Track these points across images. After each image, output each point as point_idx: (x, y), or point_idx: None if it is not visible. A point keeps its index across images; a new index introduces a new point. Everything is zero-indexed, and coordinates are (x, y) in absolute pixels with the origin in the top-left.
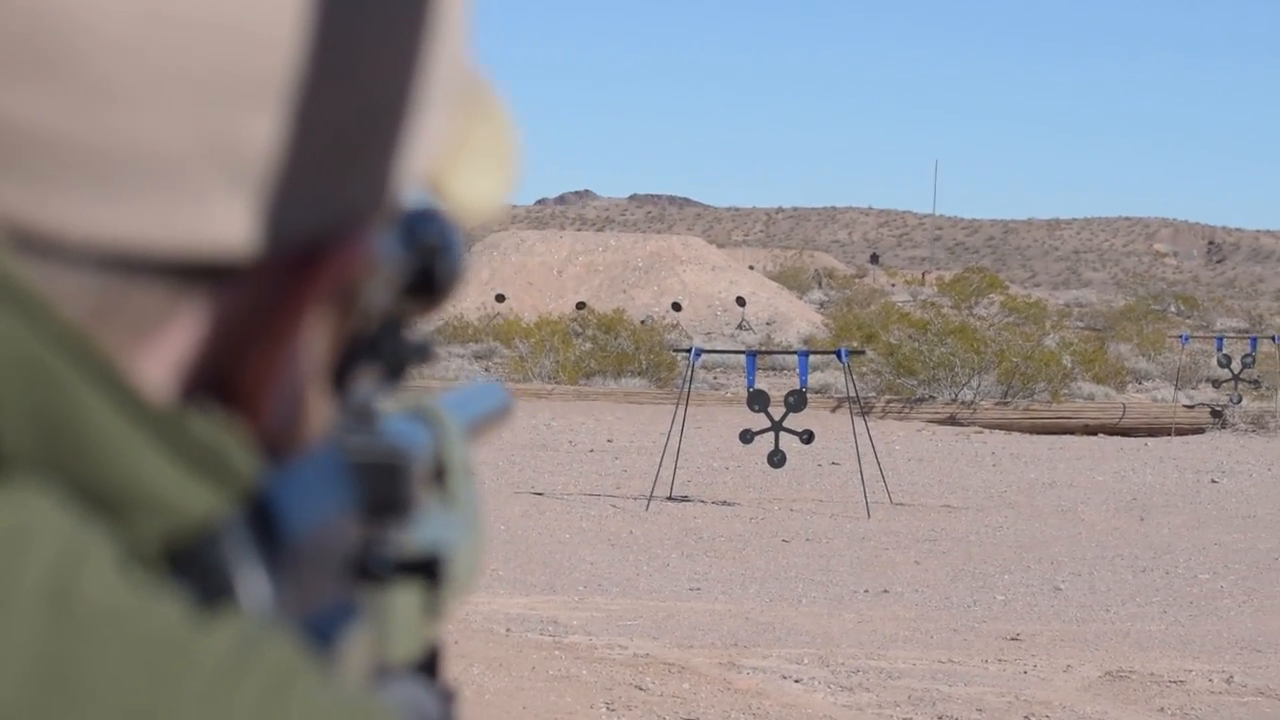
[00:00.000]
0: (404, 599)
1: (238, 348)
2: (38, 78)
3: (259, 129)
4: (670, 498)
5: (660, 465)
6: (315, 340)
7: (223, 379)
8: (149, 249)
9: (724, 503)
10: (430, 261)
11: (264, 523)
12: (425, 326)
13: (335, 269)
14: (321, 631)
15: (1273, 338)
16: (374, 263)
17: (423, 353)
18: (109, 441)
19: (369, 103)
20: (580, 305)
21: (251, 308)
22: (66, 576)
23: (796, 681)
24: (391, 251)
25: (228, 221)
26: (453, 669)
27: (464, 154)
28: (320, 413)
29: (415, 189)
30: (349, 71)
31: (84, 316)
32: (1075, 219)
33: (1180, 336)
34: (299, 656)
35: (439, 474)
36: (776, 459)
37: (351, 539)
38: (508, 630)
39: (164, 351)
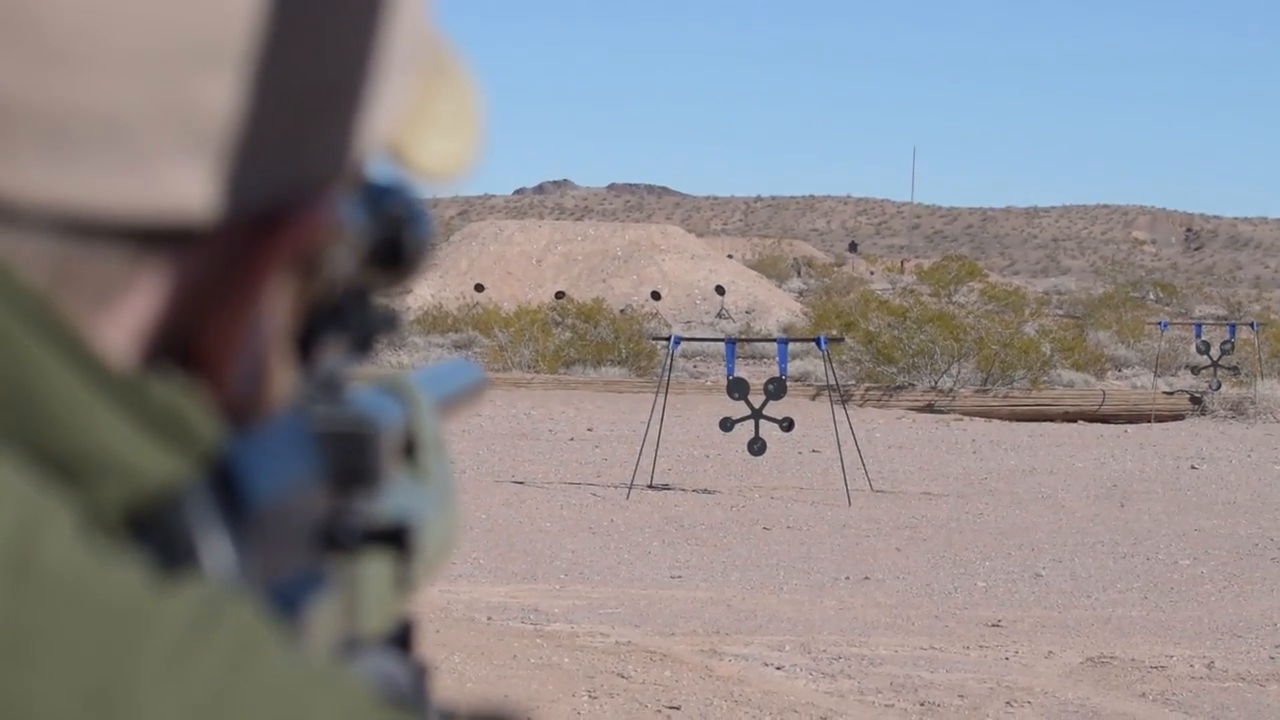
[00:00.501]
0: (374, 571)
1: (199, 313)
2: None
3: (216, 93)
4: (651, 486)
5: (640, 453)
6: (277, 307)
7: (184, 344)
8: (107, 214)
9: (705, 490)
10: (397, 232)
11: (227, 489)
12: (402, 314)
13: (296, 234)
14: (287, 600)
15: (1251, 324)
16: (336, 229)
17: (390, 324)
18: (70, 407)
19: (328, 67)
20: (559, 294)
21: (212, 273)
22: (26, 543)
23: (778, 669)
24: (357, 221)
25: (186, 186)
26: (434, 657)
27: (426, 117)
28: (284, 381)
29: (380, 156)
30: (308, 36)
31: (44, 282)
32: (1054, 207)
33: (1159, 323)
34: (263, 623)
35: (410, 448)
36: (757, 447)
37: (318, 508)
38: (489, 619)
39: (125, 317)
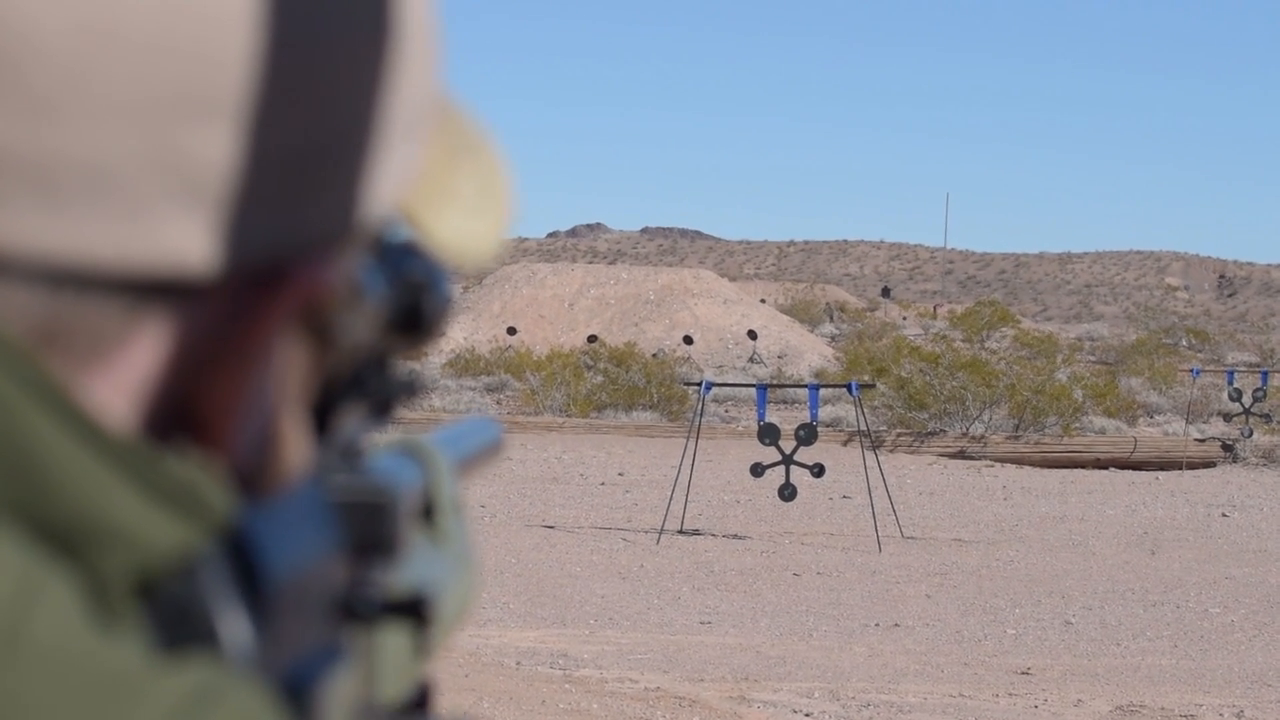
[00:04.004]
0: (392, 639)
1: (199, 372)
2: None
3: (210, 146)
4: (681, 531)
5: (671, 498)
6: (285, 369)
7: (185, 406)
8: (100, 264)
9: (735, 536)
10: (416, 298)
11: (243, 561)
12: (434, 359)
13: (298, 292)
14: (305, 672)
15: None
16: (342, 289)
17: (409, 389)
18: (68, 474)
19: (328, 125)
20: (592, 338)
21: (212, 330)
22: (17, 616)
23: (807, 715)
24: (375, 287)
25: (182, 237)
26: (463, 703)
27: (451, 194)
28: (299, 448)
29: (399, 224)
30: (306, 93)
31: (34, 337)
32: (1087, 252)
33: (1191, 370)
34: (264, 704)
35: (429, 511)
36: (787, 492)
37: (336, 579)
38: (518, 664)
39: (121, 374)
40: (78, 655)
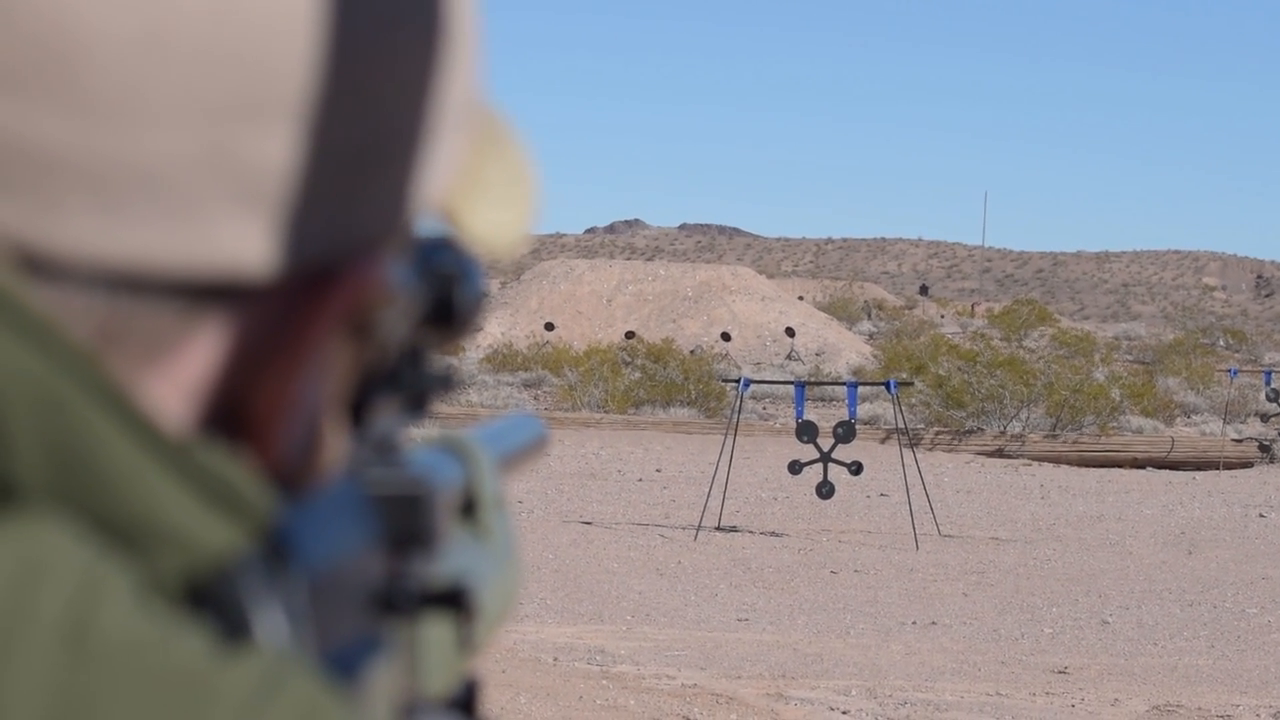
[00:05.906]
0: (436, 632)
1: (252, 373)
2: (39, 96)
3: (269, 150)
4: (719, 528)
5: (709, 495)
6: (331, 368)
7: (236, 407)
8: (158, 268)
9: (772, 533)
10: (448, 291)
11: (280, 558)
12: (472, 354)
13: (350, 292)
14: (345, 665)
15: None
16: (389, 289)
17: (444, 384)
18: (126, 473)
19: (383, 124)
20: (629, 334)
21: (266, 331)
22: (84, 611)
23: (844, 713)
24: (408, 281)
25: (239, 240)
26: (500, 698)
27: (480, 187)
28: (336, 444)
29: (431, 218)
30: (362, 93)
31: (93, 339)
32: (1124, 252)
33: (1229, 370)
34: (325, 692)
35: (471, 506)
36: (825, 490)
37: (374, 572)
38: (555, 659)
39: (179, 375)
40: (146, 649)
